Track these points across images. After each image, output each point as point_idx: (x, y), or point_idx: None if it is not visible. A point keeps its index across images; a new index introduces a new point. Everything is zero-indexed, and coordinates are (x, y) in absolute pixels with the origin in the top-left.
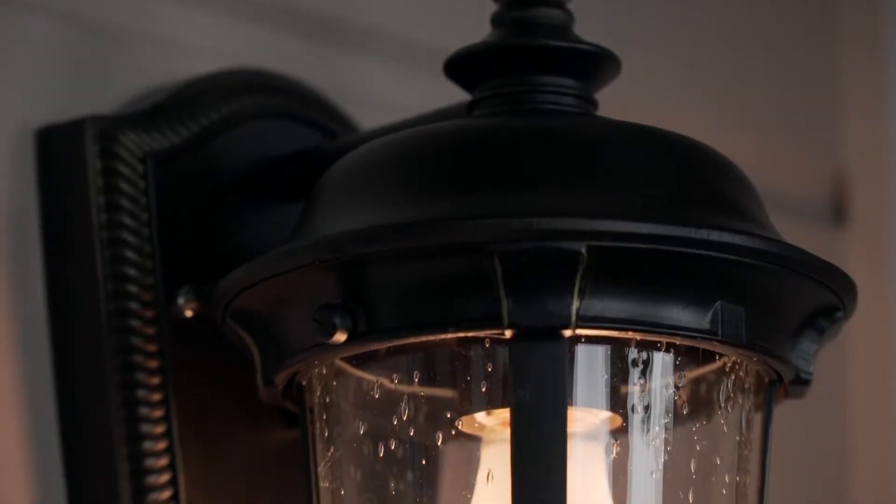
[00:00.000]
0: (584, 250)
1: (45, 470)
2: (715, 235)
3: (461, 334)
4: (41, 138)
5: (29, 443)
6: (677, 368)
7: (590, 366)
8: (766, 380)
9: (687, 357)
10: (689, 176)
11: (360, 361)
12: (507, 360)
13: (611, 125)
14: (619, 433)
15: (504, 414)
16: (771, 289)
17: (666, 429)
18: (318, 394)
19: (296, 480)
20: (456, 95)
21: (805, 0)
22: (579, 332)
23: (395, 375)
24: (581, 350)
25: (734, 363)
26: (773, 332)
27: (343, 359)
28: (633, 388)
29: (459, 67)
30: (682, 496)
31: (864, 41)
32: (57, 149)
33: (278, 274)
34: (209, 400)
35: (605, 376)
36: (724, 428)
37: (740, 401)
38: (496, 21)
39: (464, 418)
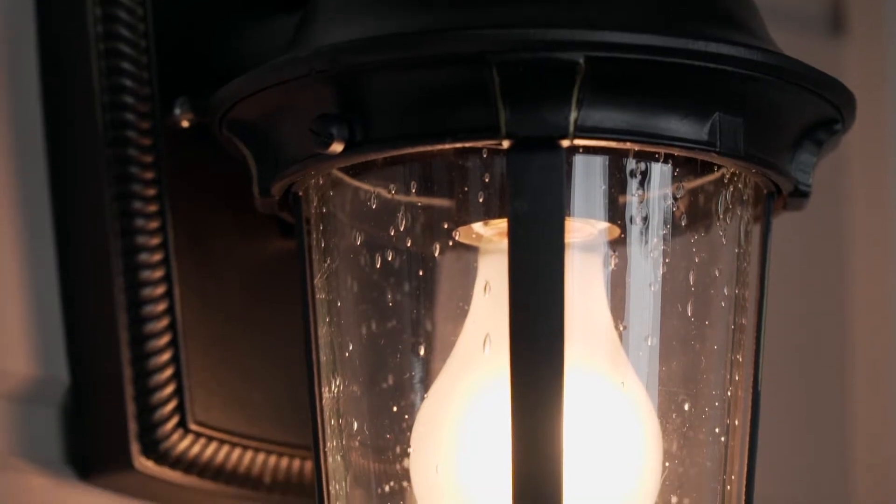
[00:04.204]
0: (581, 61)
1: (40, 282)
2: (712, 47)
3: (458, 144)
4: None
5: (24, 253)
6: (675, 179)
7: (587, 176)
8: (765, 191)
9: (685, 168)
10: None
11: (356, 172)
12: (504, 171)
13: None
14: (618, 245)
15: (501, 224)
16: (769, 101)
17: (664, 240)
18: (315, 204)
19: (293, 292)
20: None
21: None
22: (577, 142)
23: (392, 186)
24: (579, 160)
25: (732, 174)
26: (771, 143)
27: (340, 169)
28: (631, 199)
29: None
30: (680, 308)
31: None
32: None
33: (275, 84)
34: (205, 211)
35: (603, 187)
36: (723, 240)
37: (739, 212)
38: None
39: (461, 229)
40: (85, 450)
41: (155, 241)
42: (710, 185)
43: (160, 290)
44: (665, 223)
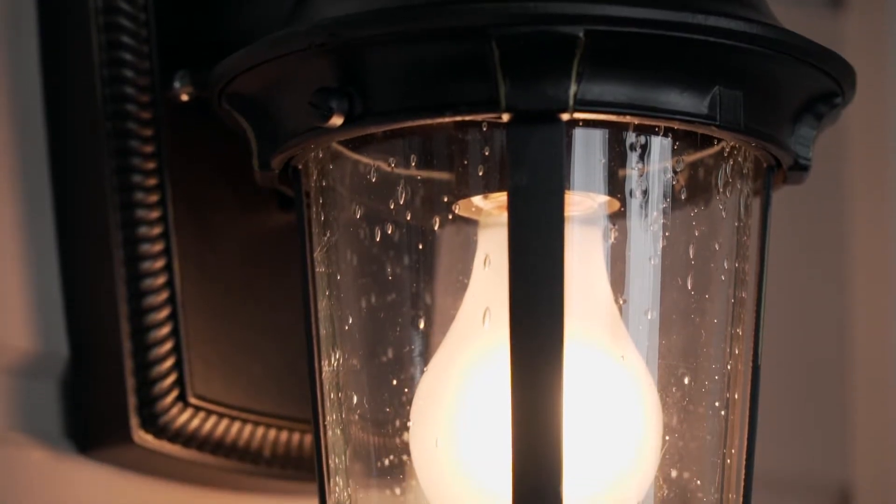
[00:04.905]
0: (581, 34)
1: (39, 256)
2: (712, 20)
3: (458, 118)
4: None
5: (24, 226)
6: (675, 153)
7: (587, 150)
8: (765, 165)
9: (685, 142)
10: None
11: (356, 145)
12: (504, 144)
13: None
14: (617, 218)
15: (501, 197)
16: (769, 74)
17: (664, 214)
18: (315, 178)
19: (292, 265)
20: None
21: None
22: (577, 115)
23: (391, 159)
24: (579, 134)
25: (732, 148)
26: (771, 117)
27: (340, 142)
28: (631, 173)
29: None
30: (680, 282)
31: None
32: None
33: (275, 58)
34: (205, 184)
35: (603, 160)
36: (723, 213)
37: (739, 186)
38: None
39: (461, 202)
40: (84, 424)
41: (154, 214)
42: (710, 159)
43: (160, 263)
44: (665, 197)
